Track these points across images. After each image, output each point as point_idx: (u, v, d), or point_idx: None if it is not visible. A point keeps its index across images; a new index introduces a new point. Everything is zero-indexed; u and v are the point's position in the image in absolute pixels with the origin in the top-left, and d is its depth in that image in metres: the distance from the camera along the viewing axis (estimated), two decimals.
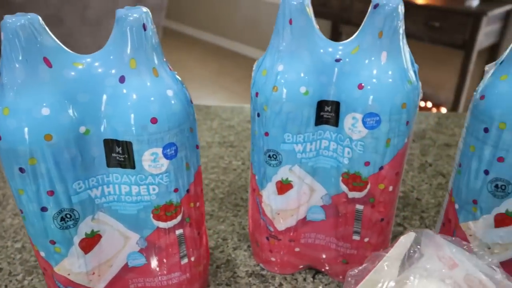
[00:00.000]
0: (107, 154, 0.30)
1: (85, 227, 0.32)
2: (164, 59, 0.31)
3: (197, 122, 0.74)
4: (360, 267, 0.29)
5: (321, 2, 2.19)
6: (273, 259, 0.42)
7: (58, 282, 0.33)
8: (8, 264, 0.44)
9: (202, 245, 0.38)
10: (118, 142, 0.30)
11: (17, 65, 0.26)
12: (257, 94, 0.35)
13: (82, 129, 0.29)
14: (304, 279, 0.42)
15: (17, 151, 0.27)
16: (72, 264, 0.32)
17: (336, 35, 2.36)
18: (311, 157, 0.36)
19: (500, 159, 0.32)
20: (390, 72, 0.32)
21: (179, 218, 0.34)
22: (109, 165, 0.31)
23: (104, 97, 0.29)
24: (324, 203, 0.38)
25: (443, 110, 2.04)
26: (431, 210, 0.52)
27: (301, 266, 0.43)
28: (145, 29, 0.28)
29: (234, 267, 0.44)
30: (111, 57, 0.29)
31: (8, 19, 0.26)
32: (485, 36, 1.78)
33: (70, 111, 0.28)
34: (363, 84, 0.32)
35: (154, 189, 0.32)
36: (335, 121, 0.35)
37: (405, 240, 0.30)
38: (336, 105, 0.34)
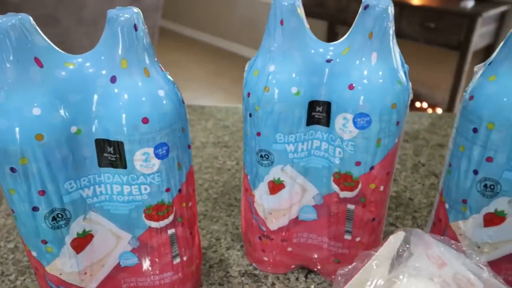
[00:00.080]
0: (98, 154, 0.30)
1: (76, 227, 0.32)
2: (156, 59, 0.31)
3: (191, 122, 0.74)
4: (350, 266, 0.29)
5: (317, 3, 2.20)
6: (265, 258, 0.42)
7: (50, 281, 0.33)
8: (0, 264, 0.44)
9: (195, 245, 0.38)
10: (109, 142, 0.30)
11: (8, 65, 0.26)
12: (249, 94, 0.35)
13: (74, 129, 0.29)
14: (297, 279, 0.43)
15: (8, 151, 0.27)
16: (64, 264, 0.32)
17: (332, 36, 2.36)
18: (303, 157, 0.37)
19: (489, 159, 0.32)
20: (380, 73, 0.32)
21: (171, 217, 0.34)
22: (100, 165, 0.31)
23: (95, 97, 0.29)
24: (316, 202, 0.39)
25: (439, 110, 2.05)
26: (423, 210, 0.52)
27: (294, 266, 0.43)
28: (136, 30, 0.28)
29: (227, 267, 0.44)
30: (102, 57, 0.29)
31: None
32: (480, 37, 1.79)
33: (62, 111, 0.28)
34: (353, 85, 0.33)
35: (145, 189, 0.32)
36: (326, 121, 0.35)
37: (395, 239, 0.30)
38: (327, 106, 0.34)
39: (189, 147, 0.34)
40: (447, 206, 0.37)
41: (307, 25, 0.34)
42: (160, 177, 0.32)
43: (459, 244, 0.30)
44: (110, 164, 0.31)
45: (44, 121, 0.27)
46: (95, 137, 0.30)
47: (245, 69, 0.36)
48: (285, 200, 0.38)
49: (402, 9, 1.89)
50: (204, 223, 0.50)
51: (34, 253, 0.32)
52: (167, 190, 0.33)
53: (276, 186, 0.38)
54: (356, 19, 0.33)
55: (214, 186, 0.56)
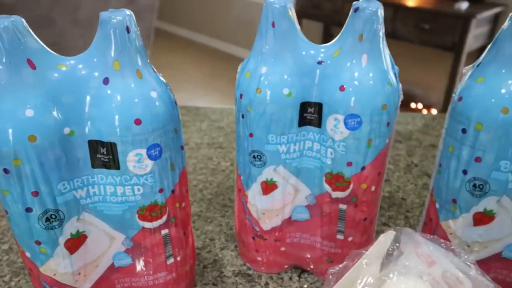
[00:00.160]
0: (91, 155, 0.31)
1: (70, 228, 0.32)
2: (148, 61, 0.31)
3: (186, 124, 0.74)
4: (341, 265, 0.30)
5: (313, 5, 2.20)
6: (259, 258, 0.43)
7: (44, 282, 0.34)
8: None
9: (188, 245, 0.38)
10: (102, 143, 0.30)
11: (0, 67, 0.26)
12: (241, 95, 0.35)
13: (67, 130, 0.29)
14: (290, 278, 0.43)
15: (1, 152, 0.27)
16: (57, 265, 0.33)
17: (328, 37, 2.37)
18: (295, 158, 0.37)
19: (478, 159, 0.33)
20: (370, 74, 0.33)
21: (164, 218, 0.34)
22: (93, 166, 0.31)
23: (88, 98, 0.29)
24: (309, 203, 0.39)
25: (434, 111, 2.06)
26: (415, 210, 0.53)
27: (287, 266, 0.43)
28: (128, 32, 0.29)
29: (221, 267, 0.44)
30: (95, 59, 0.29)
31: None
32: (474, 38, 1.80)
33: (54, 113, 0.28)
34: (344, 86, 0.33)
35: (139, 190, 0.32)
36: (318, 122, 0.35)
37: (385, 238, 0.30)
38: (318, 107, 0.35)
39: (182, 148, 0.34)
40: (437, 205, 0.37)
41: (298, 27, 0.34)
42: (153, 178, 0.32)
43: (448, 242, 0.30)
44: (103, 165, 0.31)
45: (37, 122, 0.27)
46: (88, 138, 0.30)
47: (238, 70, 0.36)
48: (278, 200, 0.39)
49: (396, 10, 1.90)
50: (198, 223, 0.50)
51: (28, 254, 0.32)
52: (160, 190, 0.33)
53: (269, 187, 0.38)
54: (346, 21, 0.33)
55: (209, 187, 0.57)
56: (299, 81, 0.34)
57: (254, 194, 0.39)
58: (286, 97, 0.34)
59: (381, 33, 0.33)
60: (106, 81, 0.29)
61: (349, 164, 0.35)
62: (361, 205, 0.38)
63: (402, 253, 0.31)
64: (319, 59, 0.34)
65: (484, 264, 0.36)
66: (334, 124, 0.34)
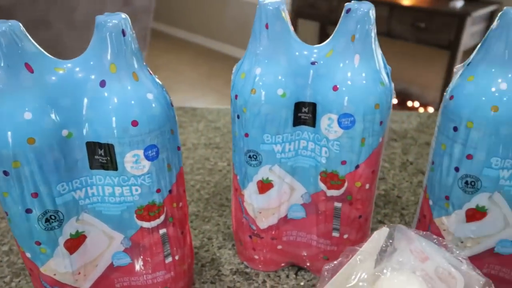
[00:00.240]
0: (89, 156, 0.31)
1: (69, 228, 0.32)
2: (144, 63, 0.32)
3: (183, 124, 0.74)
4: (336, 261, 0.30)
5: (309, 4, 2.21)
6: (256, 257, 0.43)
7: (45, 282, 0.34)
8: None
9: (186, 244, 0.39)
10: (100, 145, 0.31)
11: None
12: (236, 96, 0.36)
13: (65, 132, 0.30)
14: (287, 276, 0.43)
15: (1, 154, 0.28)
16: (57, 265, 0.33)
17: (324, 37, 2.38)
18: (290, 157, 0.37)
19: (469, 157, 0.33)
20: (363, 74, 0.34)
21: (162, 218, 0.35)
22: (92, 167, 0.32)
23: (86, 101, 0.30)
24: (304, 201, 0.40)
25: (430, 109, 2.07)
26: (411, 207, 0.53)
27: (284, 263, 0.44)
28: (124, 35, 0.29)
29: (218, 266, 0.45)
30: (91, 62, 0.30)
31: None
32: (470, 36, 1.81)
33: (52, 115, 0.29)
34: (337, 86, 0.34)
35: (136, 190, 0.33)
36: (312, 122, 0.36)
37: (379, 235, 0.31)
38: (312, 106, 0.35)
39: (178, 148, 0.35)
40: (431, 202, 0.38)
41: (291, 28, 0.35)
42: (151, 178, 0.33)
43: (440, 238, 0.31)
44: (101, 166, 0.31)
45: (35, 125, 0.28)
46: (86, 140, 0.30)
47: (233, 72, 0.37)
48: (274, 199, 0.39)
49: (392, 9, 1.91)
50: (196, 223, 0.51)
51: (28, 255, 0.33)
52: (158, 191, 0.33)
53: (264, 186, 0.39)
54: (339, 22, 0.34)
55: (206, 187, 0.57)
56: (293, 81, 0.35)
57: (250, 193, 0.39)
58: (280, 97, 0.34)
59: (373, 33, 0.33)
60: (103, 83, 0.30)
61: (343, 162, 0.36)
62: (356, 203, 0.38)
63: (396, 250, 0.31)
64: (313, 59, 0.35)
65: (477, 260, 0.37)
66: (328, 124, 0.35)
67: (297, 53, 0.35)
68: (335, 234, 0.40)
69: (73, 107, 0.30)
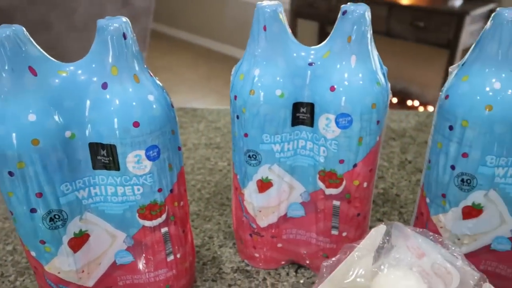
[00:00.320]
0: (92, 157, 0.32)
1: (73, 227, 0.33)
2: (145, 66, 0.32)
3: (184, 125, 0.75)
4: (334, 258, 0.31)
5: (308, 4, 2.22)
6: (256, 255, 0.44)
7: (49, 280, 0.35)
8: (0, 266, 0.45)
9: (188, 242, 0.39)
10: (102, 145, 0.31)
11: (3, 74, 0.28)
12: (235, 97, 0.36)
13: (68, 133, 0.30)
14: (287, 274, 0.44)
15: (6, 155, 0.29)
16: (62, 263, 0.34)
17: (323, 36, 2.39)
18: (289, 156, 0.38)
19: (464, 155, 0.34)
20: (360, 75, 0.34)
21: (163, 216, 0.36)
22: (94, 167, 0.32)
23: (88, 102, 0.30)
24: (303, 200, 0.40)
25: (430, 108, 2.08)
26: (409, 206, 0.54)
27: (284, 261, 0.45)
28: (125, 38, 0.30)
29: (220, 264, 0.45)
30: (93, 65, 0.30)
31: None
32: (469, 35, 1.82)
33: (56, 117, 0.29)
34: (335, 86, 0.34)
35: (138, 190, 0.33)
36: (310, 122, 0.36)
37: (376, 232, 0.32)
38: (310, 107, 0.36)
39: (179, 148, 0.36)
40: (428, 200, 0.38)
41: (289, 30, 0.35)
42: (152, 178, 0.33)
43: (436, 235, 0.31)
44: (104, 166, 0.32)
45: (39, 126, 0.29)
46: (89, 141, 0.31)
47: (232, 73, 0.38)
48: (273, 198, 0.40)
49: (391, 8, 1.92)
50: (197, 222, 0.52)
51: (33, 253, 0.33)
52: (159, 190, 0.34)
53: (264, 185, 0.39)
54: (335, 24, 0.35)
55: (207, 187, 0.58)
56: (291, 82, 0.35)
57: (250, 192, 0.40)
58: (278, 98, 0.35)
59: (369, 34, 0.34)
60: (104, 86, 0.30)
61: (341, 161, 0.37)
62: (354, 201, 0.39)
63: (393, 246, 0.32)
64: (310, 60, 0.35)
65: (474, 257, 0.37)
66: (326, 123, 0.35)
67: (294, 54, 0.35)
68: (334, 232, 0.41)
69: (76, 108, 0.30)
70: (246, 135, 0.37)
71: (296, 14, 2.31)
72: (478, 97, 0.32)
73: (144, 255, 0.37)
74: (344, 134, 0.35)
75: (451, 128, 0.34)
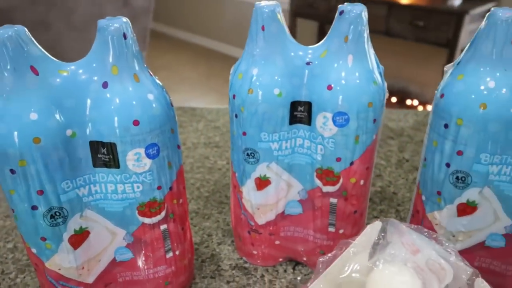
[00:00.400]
0: (93, 155, 0.32)
1: (74, 224, 0.34)
2: (145, 65, 0.33)
3: (183, 124, 0.75)
4: (330, 254, 0.31)
5: (308, 4, 2.22)
6: (255, 252, 0.44)
7: (50, 277, 0.35)
8: (0, 264, 0.46)
9: (186, 240, 0.40)
10: (103, 144, 0.32)
11: (5, 74, 0.28)
12: (234, 96, 0.37)
13: (69, 132, 0.31)
14: (285, 270, 0.45)
15: (8, 153, 0.29)
16: (62, 260, 0.34)
17: (323, 36, 2.38)
18: (287, 155, 0.39)
19: (459, 153, 0.34)
20: (356, 74, 0.35)
21: (163, 214, 0.36)
22: (95, 165, 0.33)
23: (89, 101, 0.31)
24: (301, 197, 0.41)
25: (429, 108, 2.08)
26: (406, 204, 0.54)
27: (282, 258, 0.45)
28: (125, 38, 0.30)
29: (218, 261, 0.46)
30: (94, 65, 0.31)
31: None
32: (468, 34, 1.82)
33: (57, 116, 0.30)
34: (332, 85, 0.35)
35: (138, 187, 0.34)
36: (308, 120, 0.37)
37: (371, 228, 0.32)
38: (308, 105, 0.36)
39: (178, 147, 0.36)
40: (423, 198, 0.39)
41: (287, 30, 0.36)
42: (152, 176, 0.34)
43: (430, 231, 0.32)
44: (104, 164, 0.33)
45: (41, 125, 0.29)
46: (89, 139, 0.32)
47: (230, 72, 0.38)
48: (271, 195, 0.40)
49: (391, 8, 1.92)
50: (196, 220, 0.52)
51: (34, 250, 0.34)
52: (159, 188, 0.35)
53: (262, 183, 0.40)
54: (332, 23, 0.35)
55: (206, 185, 0.58)
56: (289, 81, 0.36)
57: (248, 190, 0.41)
58: (277, 96, 0.36)
59: (366, 34, 0.34)
60: (105, 85, 0.31)
61: (338, 159, 0.37)
62: (351, 199, 0.39)
63: (389, 243, 0.32)
64: (307, 60, 0.36)
65: (468, 253, 0.38)
66: (323, 122, 0.36)
67: (292, 54, 0.36)
68: (331, 229, 0.41)
69: (77, 107, 0.31)
70: (244, 133, 0.38)
71: (296, 14, 2.31)
72: (473, 96, 0.33)
73: (143, 252, 0.37)
74: (341, 132, 0.36)
75: (446, 126, 0.35)
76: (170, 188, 0.36)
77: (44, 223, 0.32)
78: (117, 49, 0.30)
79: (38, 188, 0.31)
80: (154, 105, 0.32)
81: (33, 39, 0.29)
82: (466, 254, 0.38)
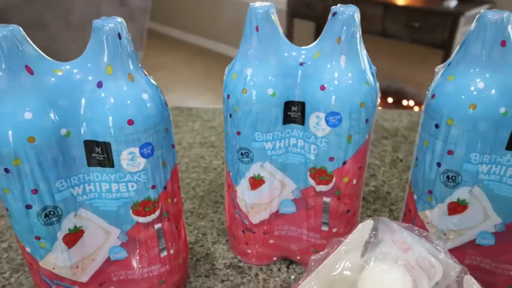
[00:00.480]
0: (87, 154, 0.32)
1: (68, 223, 0.34)
2: (139, 65, 0.33)
3: (179, 124, 0.76)
4: (322, 252, 0.32)
5: (305, 4, 2.23)
6: (249, 251, 0.45)
7: (44, 276, 0.35)
8: None
9: (181, 239, 0.40)
10: (97, 143, 0.32)
11: (0, 73, 0.28)
12: (228, 96, 0.37)
13: (63, 131, 0.31)
14: (279, 269, 0.45)
15: (2, 152, 0.29)
16: (56, 259, 0.34)
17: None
18: (281, 154, 0.39)
19: (450, 152, 0.35)
20: (349, 74, 0.35)
21: (157, 213, 0.36)
22: (89, 164, 0.33)
23: (83, 101, 0.31)
24: (295, 196, 0.41)
25: None
26: (400, 203, 0.55)
27: (276, 257, 0.45)
28: (120, 38, 0.31)
29: (213, 260, 0.46)
30: (88, 64, 0.31)
31: None
32: (463, 35, 1.83)
33: (52, 115, 0.30)
34: (325, 86, 0.35)
35: (132, 186, 0.34)
36: (301, 120, 0.37)
37: (363, 227, 0.33)
38: (301, 105, 0.37)
39: (173, 146, 0.36)
40: (415, 197, 0.39)
41: (281, 31, 0.36)
42: (146, 175, 0.34)
43: (421, 230, 0.32)
44: (99, 163, 0.33)
45: (35, 124, 0.29)
46: (84, 138, 0.32)
47: (225, 72, 0.38)
48: (265, 195, 0.41)
49: (387, 9, 1.93)
50: (191, 219, 0.52)
51: (28, 249, 0.34)
52: (153, 187, 0.35)
53: (256, 182, 0.40)
54: (326, 25, 0.35)
55: (201, 185, 0.59)
56: (283, 81, 0.36)
57: (243, 190, 0.41)
58: (270, 97, 0.36)
59: (358, 35, 0.35)
60: (99, 84, 0.31)
61: (331, 159, 0.38)
62: (344, 198, 0.40)
63: (380, 241, 0.33)
64: (301, 60, 0.36)
65: (459, 251, 0.38)
66: (316, 122, 0.36)
67: (286, 54, 0.36)
68: (325, 228, 0.42)
69: (71, 107, 0.31)
70: (238, 133, 0.38)
71: (293, 14, 2.31)
72: (463, 96, 0.33)
73: (138, 251, 0.37)
74: (334, 132, 0.36)
75: (437, 126, 0.35)
76: (165, 187, 0.36)
77: (38, 222, 0.32)
78: (111, 49, 0.30)
79: (32, 187, 0.31)
80: (148, 105, 0.32)
81: (28, 38, 0.30)
82: (457, 252, 0.38)
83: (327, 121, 0.36)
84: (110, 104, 0.31)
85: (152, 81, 0.34)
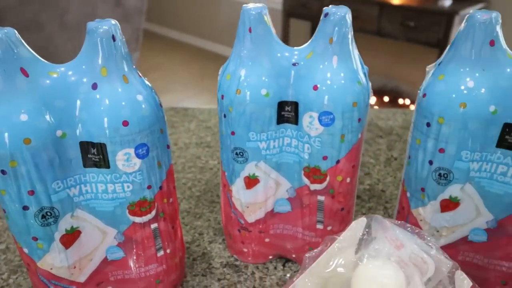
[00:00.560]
0: (83, 155, 0.33)
1: (65, 224, 0.34)
2: (134, 66, 0.33)
3: (175, 124, 0.76)
4: (316, 250, 0.32)
5: (300, 4, 2.23)
6: (245, 250, 0.45)
7: (42, 276, 0.36)
8: None
9: (177, 238, 0.41)
10: (93, 144, 0.32)
11: None
12: (222, 96, 0.38)
13: (59, 133, 0.31)
14: (275, 268, 0.45)
15: None
16: (54, 259, 0.35)
17: None
18: (275, 154, 0.39)
19: (441, 150, 0.35)
20: (341, 74, 0.36)
21: (153, 213, 0.37)
22: (85, 165, 0.33)
23: (78, 103, 0.31)
24: (289, 195, 0.42)
25: None
26: (394, 201, 0.55)
27: (272, 256, 0.46)
28: (114, 40, 0.31)
29: (209, 259, 0.47)
30: (83, 66, 0.31)
31: None
32: None
33: (47, 117, 0.30)
34: (317, 86, 0.36)
35: (128, 187, 0.34)
36: (295, 120, 0.38)
37: (356, 224, 0.33)
38: (295, 105, 0.37)
39: (168, 147, 0.37)
40: (408, 194, 0.40)
41: (274, 31, 0.37)
42: (142, 175, 0.34)
43: (413, 226, 0.33)
44: (94, 164, 0.33)
45: (31, 126, 0.30)
46: (80, 140, 0.32)
47: (219, 73, 0.39)
48: (260, 194, 0.41)
49: (382, 8, 1.94)
50: (187, 219, 0.53)
51: (25, 250, 0.34)
52: (149, 187, 0.35)
53: (251, 181, 0.41)
54: (318, 26, 0.36)
55: (197, 185, 0.59)
56: (276, 82, 0.36)
57: (238, 189, 0.41)
58: (264, 97, 0.36)
59: (350, 35, 0.35)
60: (94, 86, 0.32)
61: (325, 158, 0.38)
62: (338, 196, 0.40)
63: (373, 238, 0.33)
64: (294, 61, 0.37)
65: (452, 248, 0.39)
66: (310, 121, 0.37)
67: (279, 55, 0.37)
68: (319, 226, 0.42)
69: (67, 108, 0.31)
70: (233, 133, 0.38)
71: (289, 14, 2.32)
72: (453, 95, 0.34)
73: (134, 250, 0.38)
74: (327, 131, 0.37)
75: (428, 125, 0.36)
76: (160, 188, 0.36)
77: (35, 223, 0.32)
78: (106, 51, 0.31)
79: (29, 189, 0.31)
80: (143, 106, 0.33)
81: (22, 41, 0.30)
82: (450, 248, 0.39)
83: (320, 121, 0.36)
84: (105, 106, 0.32)
85: (147, 82, 0.35)
